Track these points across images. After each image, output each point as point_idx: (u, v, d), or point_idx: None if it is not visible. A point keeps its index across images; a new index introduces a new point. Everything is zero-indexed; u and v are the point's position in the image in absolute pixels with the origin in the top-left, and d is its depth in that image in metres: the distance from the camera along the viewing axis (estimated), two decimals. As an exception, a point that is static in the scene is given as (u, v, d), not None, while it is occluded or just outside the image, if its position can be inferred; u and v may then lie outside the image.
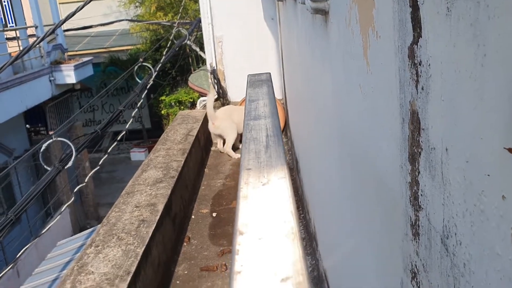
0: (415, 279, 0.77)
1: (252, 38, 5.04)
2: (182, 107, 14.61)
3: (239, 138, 4.70)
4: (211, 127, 4.69)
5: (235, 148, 4.67)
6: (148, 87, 5.87)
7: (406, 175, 0.77)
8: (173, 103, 14.60)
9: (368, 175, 1.11)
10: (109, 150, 4.63)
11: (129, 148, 14.72)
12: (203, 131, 4.72)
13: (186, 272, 2.83)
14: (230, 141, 4.62)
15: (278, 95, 5.05)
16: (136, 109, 5.58)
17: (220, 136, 4.74)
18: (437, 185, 0.63)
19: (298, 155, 3.60)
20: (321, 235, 2.38)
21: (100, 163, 4.41)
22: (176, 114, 15.17)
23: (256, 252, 0.39)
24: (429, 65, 0.62)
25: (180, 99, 14.49)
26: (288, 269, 0.37)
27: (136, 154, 14.21)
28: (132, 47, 15.43)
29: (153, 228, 2.58)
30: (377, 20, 0.87)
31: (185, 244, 3.15)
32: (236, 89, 5.14)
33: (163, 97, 14.49)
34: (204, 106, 5.24)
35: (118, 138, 4.86)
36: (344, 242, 1.58)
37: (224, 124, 4.63)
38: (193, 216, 3.52)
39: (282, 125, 4.86)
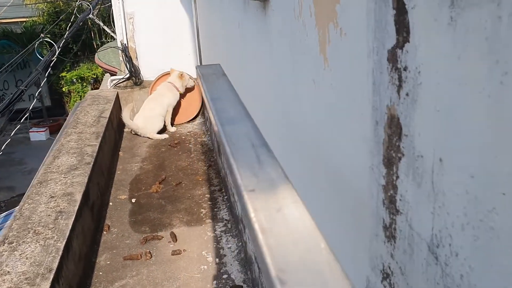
0: (388, 280, 0.77)
1: (165, 16, 4.87)
2: (84, 84, 13.95)
3: (170, 119, 4.61)
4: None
5: (163, 131, 4.59)
6: (51, 64, 5.51)
7: (379, 177, 0.76)
8: (75, 80, 13.89)
9: (320, 170, 1.10)
10: (12, 134, 4.30)
11: (27, 127, 13.79)
12: (115, 112, 4.52)
13: (108, 262, 2.71)
14: (157, 129, 4.52)
15: (194, 74, 4.95)
16: (40, 89, 5.22)
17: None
18: (425, 193, 0.62)
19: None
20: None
21: (2, 148, 4.09)
22: (78, 91, 14.38)
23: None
24: (419, 72, 0.60)
25: (82, 75, 13.83)
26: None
27: (36, 134, 13.38)
28: (27, 19, 14.37)
29: (73, 219, 2.43)
30: (341, 17, 0.85)
31: (104, 233, 3.01)
32: (148, 68, 4.96)
33: (64, 74, 13.72)
34: (115, 85, 5.02)
35: (22, 120, 4.54)
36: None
37: (146, 126, 4.50)
38: (111, 203, 3.37)
39: (199, 106, 4.79)
